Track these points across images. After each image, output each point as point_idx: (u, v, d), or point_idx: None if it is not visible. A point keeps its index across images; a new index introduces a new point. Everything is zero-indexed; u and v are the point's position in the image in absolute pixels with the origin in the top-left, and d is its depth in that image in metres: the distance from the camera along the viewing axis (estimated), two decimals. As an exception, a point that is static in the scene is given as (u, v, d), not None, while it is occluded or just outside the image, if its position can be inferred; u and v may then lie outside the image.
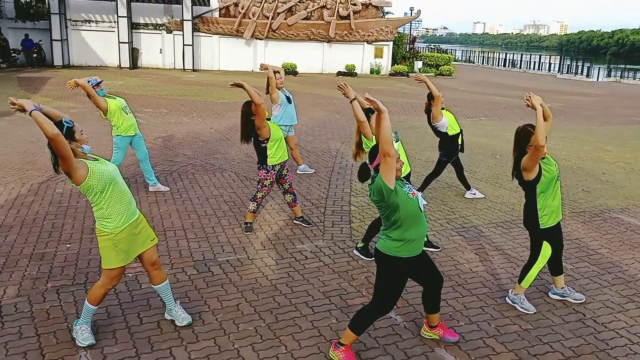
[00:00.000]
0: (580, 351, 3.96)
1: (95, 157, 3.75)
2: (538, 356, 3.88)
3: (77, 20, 26.94)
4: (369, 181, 3.60)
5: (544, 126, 4.09)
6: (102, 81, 6.94)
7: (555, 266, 4.64)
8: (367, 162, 3.57)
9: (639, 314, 4.54)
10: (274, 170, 5.93)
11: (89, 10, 26.88)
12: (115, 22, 26.61)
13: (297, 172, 8.61)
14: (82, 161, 3.58)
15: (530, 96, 4.30)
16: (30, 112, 3.41)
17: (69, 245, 5.53)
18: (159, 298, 4.39)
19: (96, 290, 3.80)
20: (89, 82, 6.68)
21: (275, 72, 7.97)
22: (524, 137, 4.24)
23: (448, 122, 6.99)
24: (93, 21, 27.17)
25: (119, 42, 26.43)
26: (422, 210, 3.61)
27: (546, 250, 4.42)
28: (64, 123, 3.56)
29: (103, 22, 27.18)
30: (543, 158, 4.27)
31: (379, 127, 3.44)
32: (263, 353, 3.80)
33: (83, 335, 3.80)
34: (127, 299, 4.47)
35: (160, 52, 28.10)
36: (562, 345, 4.03)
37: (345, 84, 4.89)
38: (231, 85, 5.88)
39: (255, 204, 6.06)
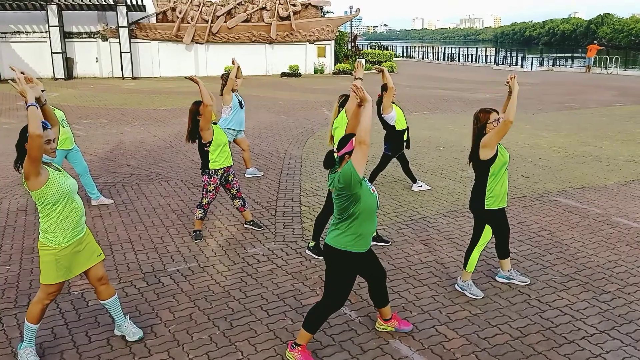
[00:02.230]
0: (527, 331, 4.12)
1: (58, 167, 3.64)
2: (488, 339, 4.01)
3: (6, 32, 25.74)
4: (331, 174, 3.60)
5: (515, 104, 4.33)
6: (44, 90, 6.61)
7: (501, 250, 4.80)
8: (335, 149, 3.54)
9: (580, 291, 4.77)
10: (217, 175, 5.86)
11: (19, 22, 25.72)
12: (46, 32, 25.58)
13: (246, 175, 8.55)
14: (45, 168, 3.48)
15: (514, 77, 4.52)
16: (29, 106, 3.31)
17: (8, 267, 5.28)
18: (108, 314, 4.28)
19: (33, 307, 3.66)
20: None
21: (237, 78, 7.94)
22: (482, 117, 4.41)
23: (397, 117, 7.14)
24: (23, 32, 26.01)
25: (51, 52, 25.42)
26: (378, 208, 3.64)
27: (487, 233, 4.60)
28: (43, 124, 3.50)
29: (34, 32, 26.07)
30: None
31: (361, 116, 3.45)
32: (219, 361, 3.75)
33: (28, 358, 3.65)
34: (73, 318, 4.31)
35: (97, 61, 27.24)
36: (510, 326, 4.18)
37: (361, 63, 5.14)
38: (187, 77, 5.83)
39: (202, 210, 5.97)
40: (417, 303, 4.56)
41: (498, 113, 4.48)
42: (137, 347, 3.90)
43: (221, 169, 5.85)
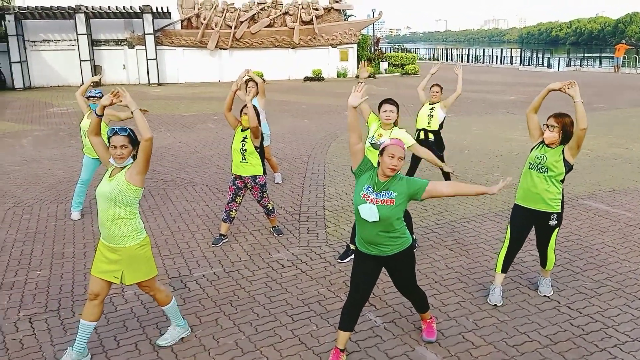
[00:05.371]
0: (556, 338, 4.03)
1: (112, 173, 3.75)
2: (516, 347, 3.94)
3: (36, 41, 26.42)
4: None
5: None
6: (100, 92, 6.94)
7: (540, 256, 4.72)
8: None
9: (612, 297, 4.65)
10: (232, 177, 6.05)
11: (48, 30, 26.37)
12: (75, 40, 26.15)
13: (276, 182, 8.51)
14: (110, 167, 3.75)
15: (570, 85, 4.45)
16: (134, 110, 3.66)
17: (39, 272, 5.40)
18: (135, 319, 4.34)
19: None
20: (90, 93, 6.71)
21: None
22: (570, 123, 4.58)
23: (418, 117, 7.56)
24: (52, 40, 26.66)
25: (80, 60, 25.97)
26: (368, 220, 3.51)
27: (507, 232, 4.57)
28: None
29: (63, 41, 26.70)
30: (551, 147, 4.65)
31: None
32: (244, 366, 3.77)
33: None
34: (102, 322, 4.37)
35: (124, 68, 27.74)
36: (539, 334, 4.10)
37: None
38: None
39: (223, 211, 6.06)
40: (443, 309, 4.51)
41: (554, 119, 4.61)
42: (164, 352, 3.94)
43: (233, 174, 6.02)
